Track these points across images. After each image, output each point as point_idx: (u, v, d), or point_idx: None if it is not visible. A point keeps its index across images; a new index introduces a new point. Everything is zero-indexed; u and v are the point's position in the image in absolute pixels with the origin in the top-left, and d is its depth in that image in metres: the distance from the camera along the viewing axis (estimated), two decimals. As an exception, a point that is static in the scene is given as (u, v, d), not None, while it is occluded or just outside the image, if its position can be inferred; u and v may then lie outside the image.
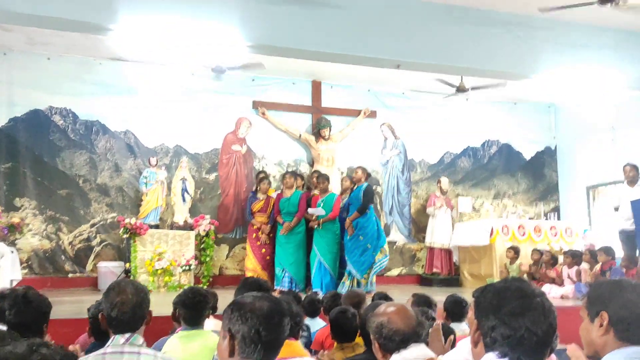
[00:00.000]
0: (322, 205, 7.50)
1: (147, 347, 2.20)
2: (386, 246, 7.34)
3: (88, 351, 2.50)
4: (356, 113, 9.62)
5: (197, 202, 8.73)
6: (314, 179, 8.18)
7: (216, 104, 8.97)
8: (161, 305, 5.65)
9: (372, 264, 7.12)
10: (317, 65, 8.34)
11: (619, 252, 7.42)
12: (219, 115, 8.98)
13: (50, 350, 1.13)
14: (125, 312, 2.17)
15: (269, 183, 8.38)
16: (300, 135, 9.26)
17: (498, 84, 9.23)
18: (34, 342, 1.19)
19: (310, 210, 7.57)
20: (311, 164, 9.28)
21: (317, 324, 4.24)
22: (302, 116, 9.42)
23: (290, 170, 8.97)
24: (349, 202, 7.40)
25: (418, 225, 9.85)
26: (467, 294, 2.77)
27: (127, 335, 2.16)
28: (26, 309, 2.36)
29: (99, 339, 2.94)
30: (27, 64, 8.15)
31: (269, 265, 7.88)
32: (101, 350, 2.13)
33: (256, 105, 9.18)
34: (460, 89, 9.38)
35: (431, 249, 9.42)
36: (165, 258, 7.70)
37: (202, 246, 8.18)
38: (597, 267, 7.14)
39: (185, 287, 3.57)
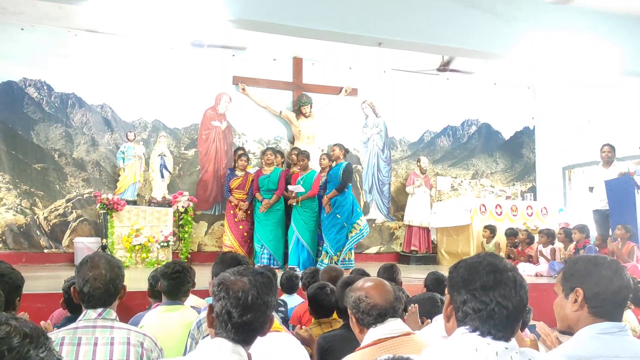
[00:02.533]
0: (301, 182, 7.48)
1: (120, 322, 2.17)
2: (360, 220, 7.32)
3: (62, 325, 2.47)
4: (337, 91, 9.57)
5: (176, 178, 8.64)
6: (293, 156, 8.14)
7: (196, 79, 8.82)
8: (139, 281, 5.63)
9: (346, 242, 7.16)
10: (299, 41, 8.25)
11: (593, 232, 7.57)
12: (199, 90, 8.84)
13: (19, 323, 1.11)
14: (98, 287, 2.13)
15: (247, 159, 8.30)
16: (280, 112, 9.18)
17: (473, 71, 9.26)
18: (2, 315, 1.17)
19: (290, 187, 7.54)
20: (292, 141, 9.23)
21: (295, 300, 4.26)
22: (282, 93, 9.32)
23: (270, 147, 8.91)
24: (327, 180, 7.39)
25: (397, 204, 9.91)
26: (444, 272, 2.81)
27: (99, 310, 2.12)
28: (-2, 282, 2.30)
29: (73, 312, 2.91)
30: (-1, 34, 7.91)
31: (247, 242, 7.88)
32: (73, 325, 2.10)
33: (236, 80, 9.06)
34: (442, 68, 9.40)
35: (410, 227, 9.50)
36: (142, 234, 7.63)
37: (180, 223, 8.10)
38: (572, 246, 7.28)
39: (166, 262, 3.54)
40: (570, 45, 7.53)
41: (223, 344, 1.57)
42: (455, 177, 10.38)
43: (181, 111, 8.79)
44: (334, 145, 7.52)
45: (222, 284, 1.61)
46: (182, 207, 8.03)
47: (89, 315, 2.11)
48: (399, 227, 9.85)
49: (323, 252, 7.25)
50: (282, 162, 8.49)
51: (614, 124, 8.91)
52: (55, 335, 2.04)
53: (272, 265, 7.25)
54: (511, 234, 8.19)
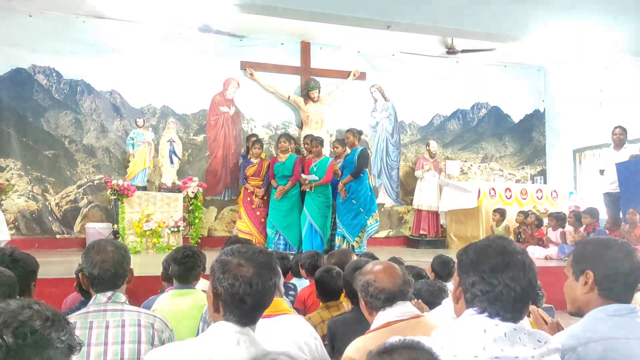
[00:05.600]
0: (315, 169, 7.50)
1: (129, 304, 2.20)
2: (377, 213, 7.40)
3: (77, 309, 2.51)
4: (346, 75, 9.52)
5: (185, 164, 8.68)
6: (307, 144, 8.13)
7: (203, 64, 8.81)
8: (150, 265, 5.69)
9: (365, 226, 7.17)
10: (307, 25, 8.21)
11: (604, 215, 7.53)
12: (207, 76, 8.84)
13: (41, 307, 1.15)
14: (107, 269, 2.16)
15: (262, 147, 8.29)
16: (289, 97, 9.16)
17: (488, 49, 9.18)
18: (25, 300, 1.21)
19: (304, 176, 7.56)
20: (300, 126, 9.22)
21: (305, 284, 4.28)
22: (290, 77, 9.29)
23: (280, 132, 8.93)
24: (343, 166, 7.39)
25: (406, 188, 9.91)
26: (453, 255, 2.83)
27: (108, 293, 2.16)
28: (13, 267, 2.35)
29: (86, 296, 2.96)
30: (7, 21, 7.90)
31: (265, 228, 7.92)
32: (83, 310, 2.13)
33: (244, 66, 9.04)
34: (451, 51, 9.32)
35: (419, 211, 9.51)
36: (153, 220, 7.70)
37: (190, 208, 8.16)
38: (582, 229, 7.26)
39: (177, 247, 3.58)
40: (581, 26, 7.43)
41: (232, 328, 1.58)
42: (465, 161, 10.36)
43: (189, 97, 8.80)
44: (347, 132, 7.50)
45: (228, 270, 1.60)
46: (192, 192, 8.08)
47: (99, 299, 2.15)
48: (408, 212, 9.86)
49: (339, 238, 7.26)
50: (295, 148, 8.48)
51: (625, 106, 8.81)
52: None
53: (288, 252, 7.28)
54: (524, 214, 8.19)
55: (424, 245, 9.20)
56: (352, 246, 7.04)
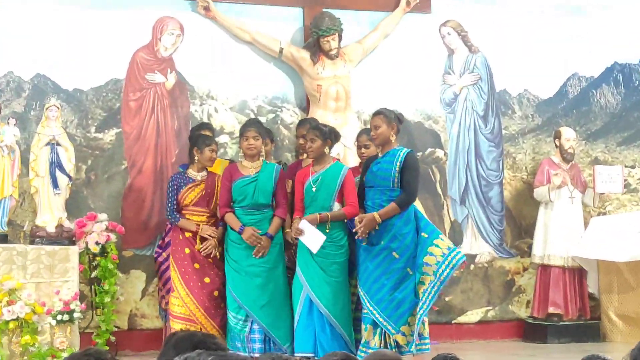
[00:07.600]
0: (314, 189, 7.49)
1: None
2: (433, 253, 7.27)
3: None
4: (391, 4, 9.57)
5: (82, 186, 8.76)
6: (301, 139, 8.15)
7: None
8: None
9: (417, 304, 7.19)
10: None
11: None
12: (120, 16, 8.94)
13: None
14: None
15: (217, 148, 8.23)
16: (281, 50, 9.26)
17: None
18: None
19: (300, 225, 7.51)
20: (303, 107, 9.28)
21: None
22: (284, 12, 9.49)
23: (253, 119, 8.77)
24: (365, 184, 7.47)
25: (519, 225, 10.01)
26: (617, 358, 2.70)
27: None
28: None
29: None
30: None
31: (221, 308, 7.91)
32: None
33: (194, -8, 9.12)
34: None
35: (545, 270, 9.59)
36: (22, 299, 7.68)
37: (93, 275, 8.18)
38: None
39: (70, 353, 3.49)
40: None
41: None
42: (632, 167, 10.33)
43: (88, 58, 8.87)
44: (375, 115, 7.49)
45: None
46: (96, 243, 8.07)
47: None
48: (525, 270, 9.88)
49: (367, 327, 7.24)
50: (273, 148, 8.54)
51: None
52: None
53: (284, 355, 7.20)
54: None
55: (556, 335, 9.32)
56: (396, 342, 7.03)
